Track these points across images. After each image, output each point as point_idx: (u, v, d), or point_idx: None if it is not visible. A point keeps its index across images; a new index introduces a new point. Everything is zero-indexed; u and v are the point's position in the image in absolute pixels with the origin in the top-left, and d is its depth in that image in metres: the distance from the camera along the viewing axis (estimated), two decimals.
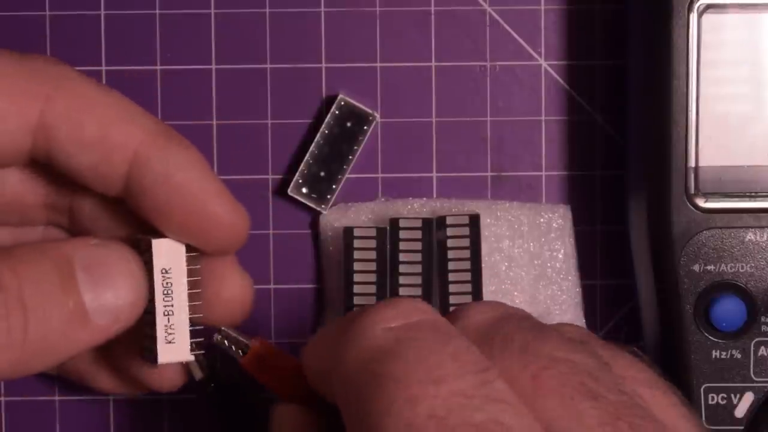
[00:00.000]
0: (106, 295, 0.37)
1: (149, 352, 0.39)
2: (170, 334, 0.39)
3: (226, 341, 0.39)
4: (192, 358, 0.39)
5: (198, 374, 0.40)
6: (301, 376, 0.36)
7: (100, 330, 0.37)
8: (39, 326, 0.35)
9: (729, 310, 0.42)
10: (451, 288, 0.42)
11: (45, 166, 0.38)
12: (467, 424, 0.29)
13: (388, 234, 0.43)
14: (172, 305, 0.38)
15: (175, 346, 0.39)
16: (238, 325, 0.40)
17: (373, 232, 0.43)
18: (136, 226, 0.39)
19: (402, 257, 0.42)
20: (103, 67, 0.46)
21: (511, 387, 0.31)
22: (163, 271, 0.38)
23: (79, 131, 0.37)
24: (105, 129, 0.37)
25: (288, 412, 0.36)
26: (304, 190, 0.46)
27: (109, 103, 0.38)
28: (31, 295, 0.35)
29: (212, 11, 0.46)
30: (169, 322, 0.38)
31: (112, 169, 0.38)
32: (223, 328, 0.39)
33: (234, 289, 0.40)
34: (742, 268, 0.42)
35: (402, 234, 0.42)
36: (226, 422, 0.44)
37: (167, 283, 0.38)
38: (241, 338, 0.39)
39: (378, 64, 0.46)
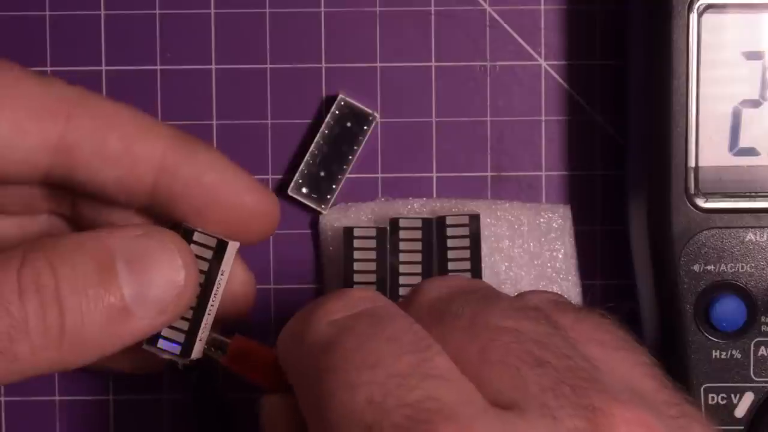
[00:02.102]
0: (148, 289, 0.36)
1: (175, 344, 0.38)
2: (203, 332, 0.39)
3: (206, 344, 0.39)
4: (200, 355, 0.39)
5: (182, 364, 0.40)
6: (279, 366, 0.36)
7: (143, 324, 0.37)
8: (77, 324, 0.35)
9: (729, 310, 0.42)
10: None
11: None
12: (403, 405, 0.29)
13: (388, 234, 0.43)
14: (213, 304, 0.39)
15: (199, 345, 0.39)
16: (242, 319, 0.41)
17: (373, 232, 0.43)
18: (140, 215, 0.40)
19: (402, 257, 0.42)
20: (103, 67, 0.46)
21: (460, 362, 0.31)
22: (221, 272, 0.39)
23: (102, 147, 0.37)
24: (128, 142, 0.38)
25: (274, 402, 0.36)
26: (304, 190, 0.46)
27: (127, 117, 0.38)
28: (69, 294, 0.35)
29: (212, 11, 0.46)
30: (207, 320, 0.39)
31: (139, 181, 0.38)
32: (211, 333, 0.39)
33: (237, 285, 0.41)
34: (742, 268, 0.42)
35: (402, 234, 0.42)
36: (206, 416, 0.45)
37: (219, 282, 0.39)
38: (219, 338, 0.39)
39: (378, 64, 0.46)
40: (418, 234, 0.43)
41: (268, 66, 0.46)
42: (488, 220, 0.45)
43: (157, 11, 0.46)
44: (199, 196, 0.38)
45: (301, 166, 0.46)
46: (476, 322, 0.32)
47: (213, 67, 0.46)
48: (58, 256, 0.36)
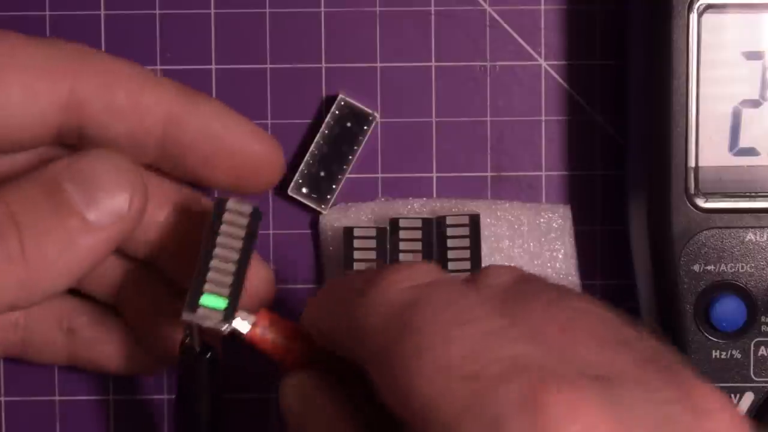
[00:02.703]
0: (98, 195, 0.37)
1: (215, 312, 0.38)
2: (241, 298, 0.38)
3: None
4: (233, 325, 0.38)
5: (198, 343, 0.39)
6: (307, 340, 0.36)
7: (103, 232, 0.37)
8: (38, 242, 0.36)
9: (729, 310, 0.42)
10: None
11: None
12: (502, 358, 0.29)
13: (388, 234, 0.43)
14: (245, 273, 0.38)
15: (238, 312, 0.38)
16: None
17: (373, 232, 0.43)
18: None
19: (402, 257, 0.42)
20: None
21: (541, 341, 0.31)
22: (256, 240, 0.39)
23: (111, 101, 0.38)
24: (135, 95, 0.39)
25: (306, 379, 0.36)
26: (304, 190, 0.46)
27: (132, 71, 0.39)
28: (23, 215, 0.36)
29: (212, 11, 0.46)
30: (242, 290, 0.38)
31: (148, 134, 0.39)
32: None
33: (259, 280, 0.41)
34: (742, 268, 0.42)
35: (402, 234, 0.42)
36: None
37: (253, 249, 0.38)
38: (243, 314, 0.38)
39: (378, 64, 0.46)
40: (418, 234, 0.43)
41: (268, 66, 0.46)
42: (488, 220, 0.45)
43: (157, 11, 0.46)
44: (206, 146, 0.39)
45: (301, 166, 0.46)
46: (554, 304, 0.32)
47: (213, 67, 0.46)
48: (6, 188, 0.37)
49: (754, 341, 0.42)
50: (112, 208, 0.37)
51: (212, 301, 0.38)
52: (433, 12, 0.46)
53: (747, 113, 0.42)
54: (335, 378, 0.36)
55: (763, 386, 0.42)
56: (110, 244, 0.38)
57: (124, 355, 0.43)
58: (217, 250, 0.38)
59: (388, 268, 0.34)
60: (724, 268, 0.42)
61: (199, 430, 0.41)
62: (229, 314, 0.37)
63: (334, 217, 0.46)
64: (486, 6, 0.46)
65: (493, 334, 0.30)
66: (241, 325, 0.38)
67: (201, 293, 0.38)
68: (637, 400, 0.29)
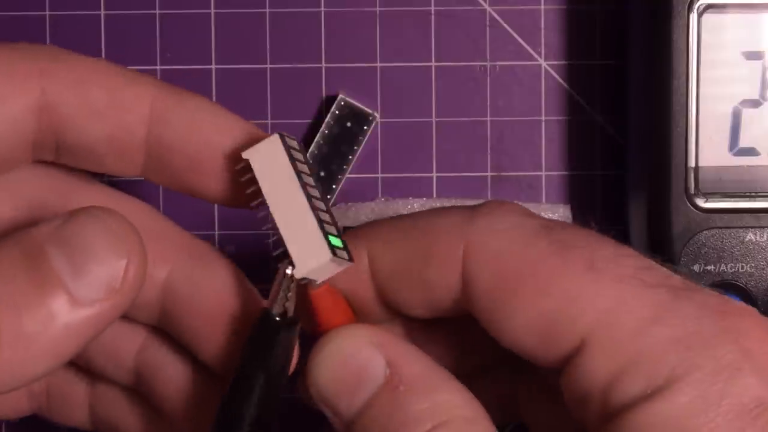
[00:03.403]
0: (87, 266, 0.31)
1: (342, 250, 0.33)
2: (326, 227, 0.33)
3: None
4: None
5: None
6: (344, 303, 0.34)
7: (93, 309, 0.31)
8: (12, 319, 0.30)
9: None
10: None
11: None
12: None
13: None
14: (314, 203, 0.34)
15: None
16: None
17: None
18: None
19: None
20: None
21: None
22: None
23: (86, 99, 0.34)
24: (113, 92, 0.34)
25: (380, 330, 0.34)
26: None
27: (108, 68, 0.35)
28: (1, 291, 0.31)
29: (212, 11, 0.46)
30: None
31: (130, 134, 0.35)
32: None
33: None
34: (742, 268, 0.42)
35: None
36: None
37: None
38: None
39: (378, 64, 0.46)
40: None
41: (268, 66, 0.46)
42: None
43: (157, 11, 0.46)
44: (194, 144, 0.35)
45: None
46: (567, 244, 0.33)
47: (213, 67, 0.46)
48: None
49: None
50: (103, 281, 0.31)
51: (335, 241, 0.33)
52: (433, 12, 0.46)
53: (747, 113, 0.42)
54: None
55: None
56: (102, 323, 0.32)
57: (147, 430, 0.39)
58: (306, 189, 0.33)
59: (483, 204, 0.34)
60: (724, 268, 0.42)
61: (263, 410, 0.34)
62: (349, 252, 0.33)
63: None
64: (486, 6, 0.46)
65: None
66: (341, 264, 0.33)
67: (324, 235, 0.32)
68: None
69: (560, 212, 0.46)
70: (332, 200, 0.46)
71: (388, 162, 0.46)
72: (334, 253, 0.32)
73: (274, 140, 0.34)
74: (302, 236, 0.32)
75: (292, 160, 0.34)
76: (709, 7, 0.41)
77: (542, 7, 0.46)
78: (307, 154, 0.34)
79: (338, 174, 0.46)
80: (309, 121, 0.46)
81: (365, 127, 0.46)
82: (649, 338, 0.31)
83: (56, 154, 0.35)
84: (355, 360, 0.33)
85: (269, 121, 0.46)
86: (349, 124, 0.46)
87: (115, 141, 0.34)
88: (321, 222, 0.33)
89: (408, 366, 0.33)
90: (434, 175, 0.46)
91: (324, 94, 0.46)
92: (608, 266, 0.32)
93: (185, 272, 0.35)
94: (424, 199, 0.46)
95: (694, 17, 0.41)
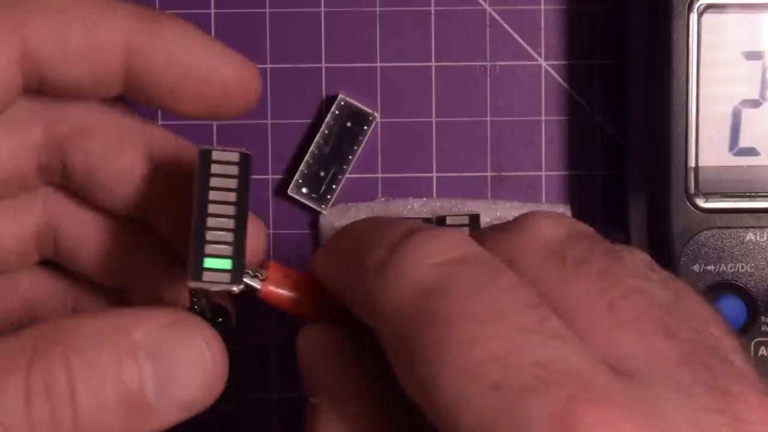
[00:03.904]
0: (173, 389, 0.32)
1: (222, 273, 0.34)
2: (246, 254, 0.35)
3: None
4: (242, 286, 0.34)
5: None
6: (321, 291, 0.34)
7: (165, 422, 0.32)
8: (92, 427, 0.31)
9: (729, 310, 0.42)
10: None
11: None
12: (531, 363, 0.27)
13: None
14: (245, 226, 0.35)
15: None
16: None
17: None
18: (133, 182, 0.37)
19: None
20: None
21: (584, 314, 0.29)
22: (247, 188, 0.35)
23: (65, 44, 0.35)
24: (89, 33, 0.35)
25: (323, 332, 0.33)
26: (304, 190, 0.46)
27: (81, 3, 0.36)
28: (86, 396, 0.31)
29: (212, 11, 0.46)
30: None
31: (109, 69, 0.36)
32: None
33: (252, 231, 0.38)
34: (742, 268, 0.42)
35: None
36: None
37: (247, 197, 0.35)
38: (254, 268, 0.35)
39: (378, 64, 0.46)
40: None
41: (268, 66, 0.46)
42: (488, 220, 0.45)
43: None
44: (172, 75, 0.36)
45: (301, 166, 0.46)
46: (605, 276, 0.30)
47: None
48: (76, 349, 0.31)
49: (754, 341, 0.42)
50: (182, 403, 0.32)
51: (217, 263, 0.34)
52: (433, 12, 0.46)
53: (747, 113, 0.42)
54: (350, 329, 0.33)
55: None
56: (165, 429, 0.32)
57: None
58: (212, 207, 0.34)
59: (414, 237, 0.30)
60: (724, 268, 0.42)
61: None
62: (237, 275, 0.34)
63: (334, 217, 0.46)
64: (486, 6, 0.46)
65: (525, 331, 0.27)
66: (253, 282, 0.34)
67: (203, 256, 0.34)
68: (674, 406, 0.27)
69: (560, 212, 0.46)
70: (332, 200, 0.46)
71: (388, 162, 0.46)
72: (198, 277, 0.34)
73: (246, 157, 0.35)
74: (195, 252, 0.34)
75: (221, 177, 0.34)
76: (709, 7, 0.41)
77: (542, 7, 0.46)
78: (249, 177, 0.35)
79: (338, 174, 0.46)
80: (309, 121, 0.46)
81: (365, 127, 0.46)
82: None
83: (41, 86, 0.36)
84: None
85: (269, 121, 0.46)
86: (349, 124, 0.46)
87: (95, 77, 0.36)
88: (205, 244, 0.34)
89: None
90: (434, 175, 0.46)
91: (324, 94, 0.46)
92: None
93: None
94: (424, 199, 0.46)
95: (694, 17, 0.41)
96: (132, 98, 0.37)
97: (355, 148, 0.46)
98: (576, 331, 0.28)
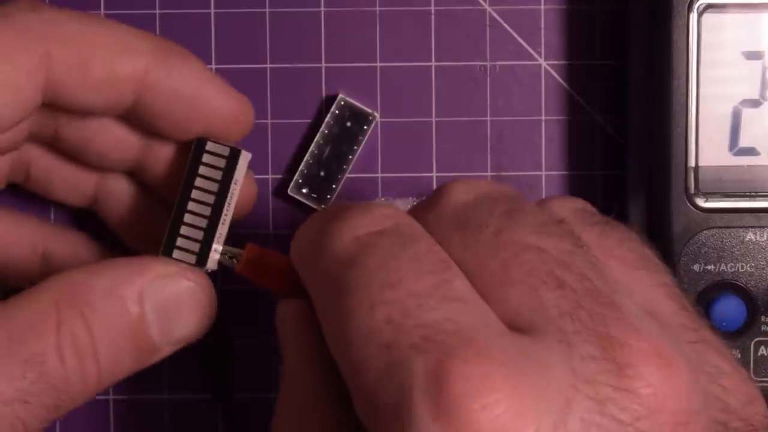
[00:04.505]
0: (174, 331, 0.38)
1: (190, 254, 0.39)
2: (218, 241, 0.39)
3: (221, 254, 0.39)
4: (215, 267, 0.39)
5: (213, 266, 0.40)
6: (293, 271, 0.36)
7: (165, 354, 0.38)
8: (112, 372, 0.37)
9: (729, 310, 0.42)
10: None
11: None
12: (421, 325, 0.29)
13: None
14: (227, 214, 0.39)
15: (214, 255, 0.39)
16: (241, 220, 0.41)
17: None
18: (128, 150, 0.41)
19: None
20: None
21: (481, 275, 0.31)
22: (234, 181, 0.39)
23: (87, 77, 0.38)
24: (111, 66, 0.38)
25: (291, 306, 0.36)
26: (304, 190, 0.46)
27: (106, 37, 0.38)
28: (106, 349, 0.37)
29: (212, 11, 0.46)
30: (221, 230, 0.39)
31: (122, 98, 0.39)
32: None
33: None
34: (742, 268, 0.42)
35: None
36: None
37: (232, 192, 0.39)
38: (232, 248, 0.39)
39: (378, 64, 0.46)
40: None
41: (268, 66, 0.46)
42: None
43: (157, 11, 0.46)
44: (178, 108, 0.39)
45: (301, 166, 0.46)
46: (500, 237, 0.31)
47: (213, 67, 0.46)
48: (91, 309, 0.37)
49: (754, 341, 0.42)
50: (180, 340, 0.38)
51: (188, 244, 0.39)
52: (433, 12, 0.46)
53: (747, 113, 0.42)
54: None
55: (763, 386, 0.42)
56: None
57: None
58: (195, 193, 0.39)
59: (346, 211, 0.33)
60: (724, 267, 0.42)
61: (209, 364, 0.44)
62: (202, 258, 0.39)
63: None
64: (486, 6, 0.46)
65: (420, 295, 0.30)
66: (229, 262, 0.39)
67: (177, 236, 0.39)
68: (553, 356, 0.29)
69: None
70: (332, 200, 0.46)
71: (388, 162, 0.46)
72: (168, 255, 0.39)
73: (235, 153, 0.39)
74: (170, 232, 0.39)
75: (210, 167, 0.39)
76: (709, 7, 0.41)
77: (542, 7, 0.46)
78: (238, 176, 0.40)
79: (338, 174, 0.46)
80: (309, 121, 0.46)
81: (365, 127, 0.46)
82: None
83: (54, 108, 0.39)
84: None
85: (269, 121, 0.46)
86: (349, 124, 0.46)
87: (108, 103, 0.39)
88: (180, 226, 0.39)
89: None
90: (434, 175, 0.46)
91: (324, 94, 0.46)
92: None
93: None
94: (424, 198, 0.46)
95: (694, 17, 0.41)
96: (134, 122, 0.40)
97: (355, 148, 0.46)
98: (480, 293, 0.31)
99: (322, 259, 0.33)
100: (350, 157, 0.46)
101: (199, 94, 0.39)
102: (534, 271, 0.30)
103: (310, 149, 0.46)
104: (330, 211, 0.34)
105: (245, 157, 0.39)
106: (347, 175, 0.46)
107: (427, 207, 0.34)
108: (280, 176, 0.46)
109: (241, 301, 0.46)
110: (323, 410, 0.33)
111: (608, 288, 0.30)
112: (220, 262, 0.39)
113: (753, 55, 0.42)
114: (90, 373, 0.36)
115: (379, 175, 0.46)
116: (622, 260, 0.33)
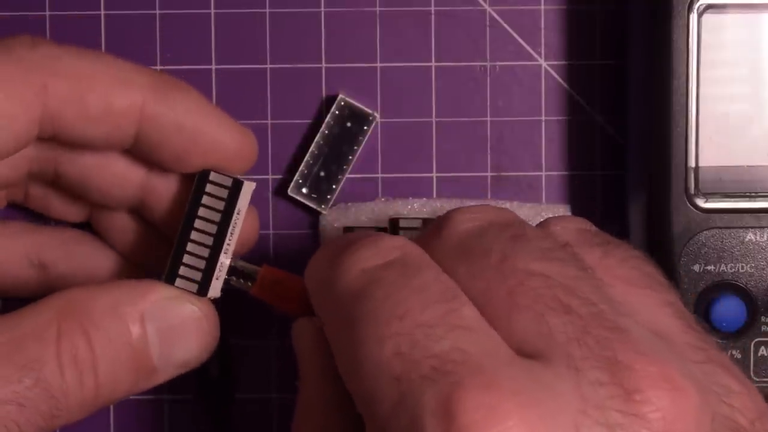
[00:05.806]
0: (174, 354, 0.38)
1: (192, 283, 0.39)
2: (219, 270, 0.39)
3: (235, 276, 0.40)
4: (218, 295, 0.40)
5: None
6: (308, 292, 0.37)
7: (165, 378, 0.39)
8: (110, 389, 0.37)
9: (729, 310, 0.42)
10: None
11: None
12: (430, 356, 0.29)
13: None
14: (230, 243, 0.39)
15: (217, 283, 0.39)
16: (246, 254, 0.41)
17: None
18: (128, 186, 0.41)
19: None
20: None
21: (488, 303, 0.31)
22: (237, 211, 0.39)
23: (84, 110, 0.38)
24: (108, 99, 0.38)
25: (305, 325, 0.36)
26: (304, 190, 0.46)
27: (103, 71, 0.38)
28: (105, 365, 0.37)
29: (212, 11, 0.46)
30: (223, 259, 0.39)
31: (122, 132, 0.39)
32: (239, 261, 0.40)
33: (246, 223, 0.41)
34: (742, 268, 0.42)
35: (402, 234, 0.42)
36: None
37: (235, 222, 0.39)
38: (249, 267, 0.40)
39: (378, 64, 0.46)
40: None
41: (268, 66, 0.46)
42: None
43: (157, 11, 0.46)
44: (180, 142, 0.39)
45: (301, 166, 0.46)
46: (505, 264, 0.32)
47: (213, 67, 0.46)
48: (93, 325, 0.37)
49: (754, 341, 0.42)
50: (180, 365, 0.39)
51: (190, 273, 0.39)
52: (433, 12, 0.46)
53: (747, 113, 0.42)
54: None
55: (763, 386, 0.42)
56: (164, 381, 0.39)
57: None
58: (198, 223, 0.39)
59: (355, 243, 0.34)
60: (724, 268, 0.42)
61: (209, 384, 0.44)
62: (203, 287, 0.39)
63: (334, 217, 0.46)
64: (486, 6, 0.46)
65: (427, 326, 0.30)
66: (233, 283, 0.39)
67: (180, 264, 0.39)
68: (563, 382, 0.29)
69: (560, 212, 0.46)
70: (332, 200, 0.46)
71: (388, 162, 0.46)
72: (171, 283, 0.39)
73: (238, 184, 0.39)
74: (173, 261, 0.39)
75: (213, 197, 0.39)
76: (709, 7, 0.41)
77: (542, 7, 0.46)
78: (241, 207, 0.40)
79: (338, 174, 0.46)
80: (309, 121, 0.46)
81: (365, 127, 0.46)
82: None
83: (52, 138, 0.39)
84: None
85: (269, 121, 0.46)
86: (349, 124, 0.46)
87: (107, 137, 0.39)
88: (183, 255, 0.39)
89: None
90: (434, 175, 0.46)
91: (324, 94, 0.46)
92: None
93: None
94: (424, 199, 0.46)
95: (694, 17, 0.41)
96: (139, 156, 0.40)
97: (355, 148, 0.46)
98: (487, 320, 0.31)
99: (332, 292, 0.33)
100: (350, 157, 0.46)
101: (200, 127, 0.39)
102: (540, 297, 0.31)
103: (310, 149, 0.46)
104: (340, 243, 0.35)
105: (249, 187, 0.39)
106: (347, 175, 0.46)
107: (433, 236, 0.34)
108: (280, 176, 0.46)
109: (241, 303, 0.46)
110: (336, 426, 0.33)
111: (614, 311, 0.31)
112: (232, 285, 0.39)
113: (753, 55, 0.42)
114: (88, 387, 0.37)
115: (379, 175, 0.46)
116: (626, 280, 0.33)
